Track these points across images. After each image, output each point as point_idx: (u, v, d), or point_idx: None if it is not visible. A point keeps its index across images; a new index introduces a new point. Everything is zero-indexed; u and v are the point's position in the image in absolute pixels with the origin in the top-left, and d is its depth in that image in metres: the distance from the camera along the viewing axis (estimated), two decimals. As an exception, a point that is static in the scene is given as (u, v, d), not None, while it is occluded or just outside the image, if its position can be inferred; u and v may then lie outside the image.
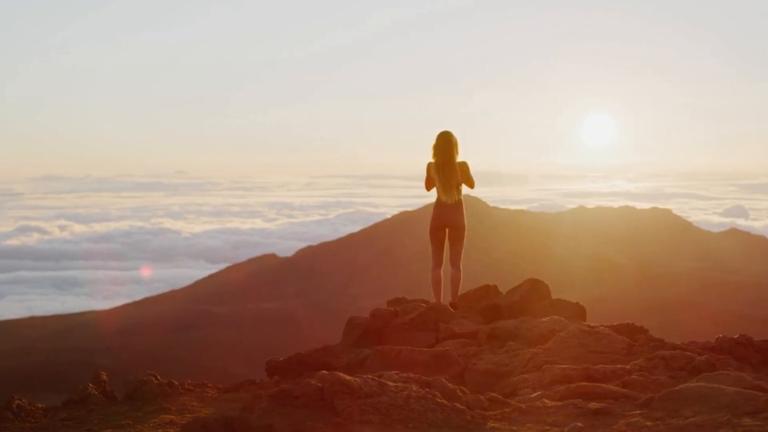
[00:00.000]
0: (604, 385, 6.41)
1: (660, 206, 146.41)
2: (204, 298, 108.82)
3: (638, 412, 5.63)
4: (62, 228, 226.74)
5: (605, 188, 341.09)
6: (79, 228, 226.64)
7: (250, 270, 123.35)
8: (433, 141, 11.65)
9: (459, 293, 11.88)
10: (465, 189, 12.02)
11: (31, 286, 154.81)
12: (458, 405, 5.62)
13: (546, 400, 6.16)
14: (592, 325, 9.06)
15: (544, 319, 9.31)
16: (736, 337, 8.04)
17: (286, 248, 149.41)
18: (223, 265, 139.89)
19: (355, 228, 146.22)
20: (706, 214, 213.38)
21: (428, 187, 11.93)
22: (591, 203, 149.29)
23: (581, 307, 10.93)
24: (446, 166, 11.50)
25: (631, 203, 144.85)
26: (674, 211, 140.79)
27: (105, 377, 7.53)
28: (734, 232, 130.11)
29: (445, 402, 5.58)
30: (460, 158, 11.68)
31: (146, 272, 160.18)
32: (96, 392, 7.28)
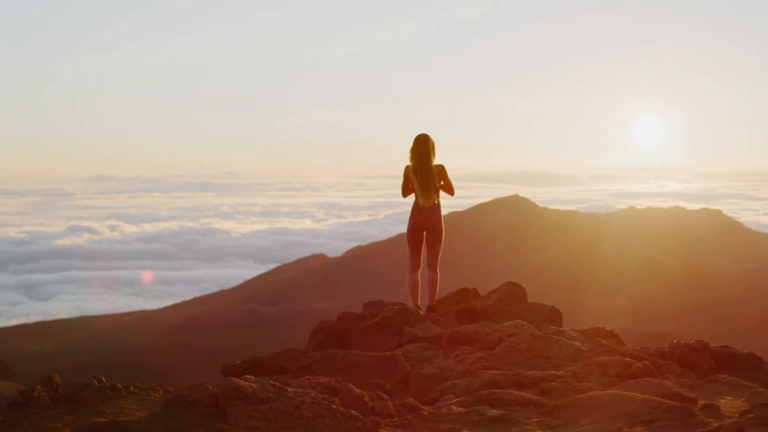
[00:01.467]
0: (516, 392, 6.36)
1: (710, 207, 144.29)
2: (253, 299, 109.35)
3: (537, 420, 5.58)
4: (112, 228, 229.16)
5: (655, 189, 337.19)
6: (129, 228, 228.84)
7: (299, 270, 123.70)
8: (410, 144, 11.60)
9: (437, 296, 11.80)
10: (448, 196, 11.92)
11: (81, 286, 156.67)
12: (353, 412, 5.59)
13: (454, 407, 6.12)
14: (561, 329, 8.98)
15: (506, 324, 9.25)
16: (691, 342, 7.91)
17: (336, 248, 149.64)
18: (272, 266, 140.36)
19: (404, 228, 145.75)
20: (757, 215, 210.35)
21: (405, 193, 11.83)
22: (641, 204, 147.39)
23: (557, 311, 10.86)
24: (423, 168, 11.42)
25: (681, 204, 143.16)
26: (724, 212, 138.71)
27: (58, 379, 7.60)
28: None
29: (341, 409, 5.56)
30: (437, 161, 11.61)
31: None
32: (44, 395, 7.35)
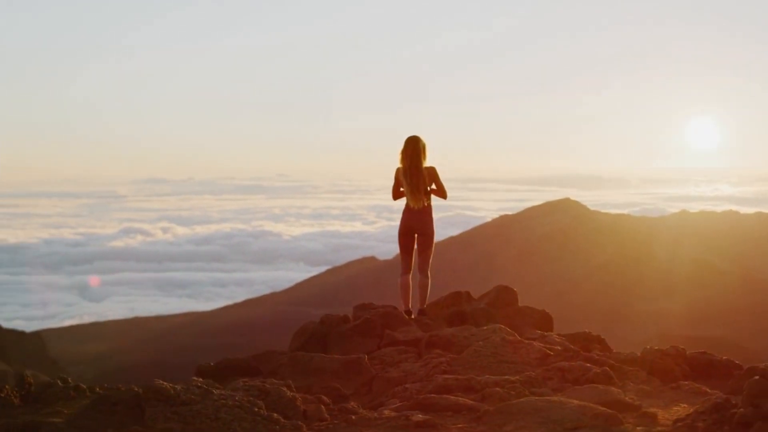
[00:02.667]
0: (453, 397, 6.28)
1: (765, 211, 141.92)
2: (304, 301, 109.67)
3: (462, 425, 5.51)
4: (165, 230, 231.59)
5: (708, 192, 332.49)
6: (181, 230, 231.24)
7: (349, 273, 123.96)
8: (401, 146, 11.50)
9: (428, 299, 11.70)
10: (442, 200, 11.78)
11: (134, 288, 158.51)
12: (275, 415, 5.55)
13: (387, 411, 6.06)
14: (546, 334, 8.87)
15: (485, 328, 9.15)
16: (665, 348, 7.75)
17: (386, 251, 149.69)
18: (322, 268, 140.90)
19: (455, 231, 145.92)
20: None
21: (395, 196, 11.75)
22: (694, 207, 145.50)
23: (546, 315, 10.74)
24: (413, 170, 11.33)
25: (735, 207, 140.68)
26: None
27: (30, 379, 7.64)
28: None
29: (262, 412, 5.52)
30: (428, 163, 11.50)
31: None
32: (13, 394, 7.39)
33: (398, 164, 11.50)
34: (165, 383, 5.71)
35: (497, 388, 6.58)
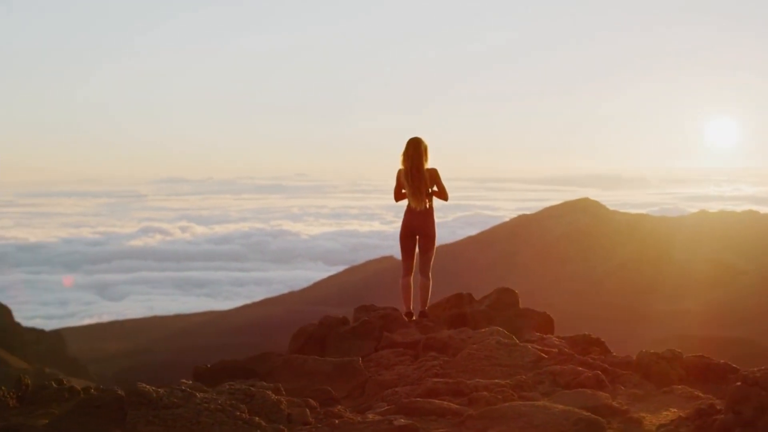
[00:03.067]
0: (438, 401, 6.27)
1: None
2: (322, 300, 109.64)
3: (444, 430, 5.49)
4: (184, 229, 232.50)
5: (728, 192, 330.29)
6: (200, 229, 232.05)
7: (368, 272, 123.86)
8: (402, 148, 11.48)
9: (429, 301, 11.67)
10: (442, 201, 11.74)
11: (153, 286, 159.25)
12: (257, 419, 5.55)
13: (371, 415, 6.05)
14: (544, 336, 8.83)
15: (482, 330, 9.11)
16: (661, 352, 7.69)
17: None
18: (341, 268, 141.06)
19: (473, 231, 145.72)
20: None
21: (397, 197, 11.71)
22: (713, 207, 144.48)
23: (547, 317, 10.67)
24: (415, 172, 11.29)
25: (755, 207, 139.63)
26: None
27: (28, 381, 7.66)
28: None
29: (244, 416, 5.52)
30: (430, 165, 11.47)
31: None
32: (9, 395, 7.41)
33: (400, 166, 11.49)
34: (148, 386, 5.72)
35: (484, 392, 6.56)
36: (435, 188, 11.55)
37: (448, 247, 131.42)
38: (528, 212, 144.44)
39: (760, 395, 5.00)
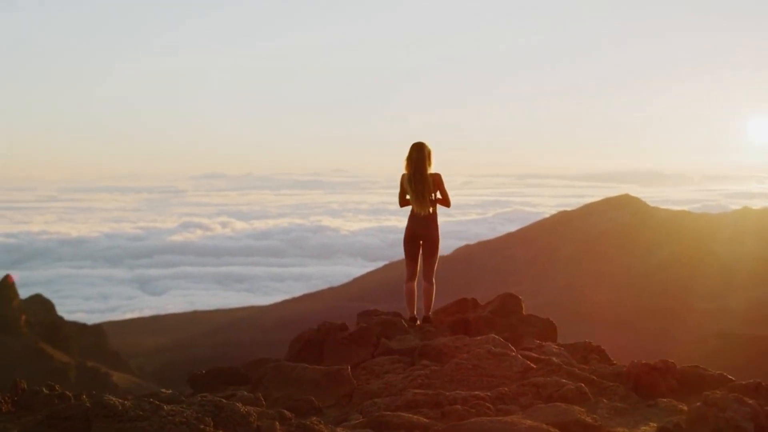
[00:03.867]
0: (407, 414, 6.20)
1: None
2: (362, 296, 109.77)
3: None
4: (224, 225, 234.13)
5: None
6: (240, 225, 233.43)
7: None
8: (406, 152, 11.41)
9: (432, 306, 11.58)
10: (443, 208, 11.65)
11: (193, 282, 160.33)
12: None
13: (340, 429, 6.01)
14: (543, 343, 8.73)
15: (478, 338, 9.01)
16: (653, 362, 7.55)
17: (444, 247, 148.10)
18: (380, 263, 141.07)
19: (513, 227, 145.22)
20: None
21: (401, 202, 11.63)
22: (756, 204, 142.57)
23: (551, 324, 10.54)
24: (418, 177, 11.21)
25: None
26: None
27: (24, 385, 7.70)
28: None
29: (209, 429, 5.50)
30: (433, 169, 11.39)
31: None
32: (4, 400, 7.45)
33: (403, 170, 11.43)
34: (113, 399, 5.74)
35: (458, 406, 6.49)
36: (438, 195, 11.48)
37: (488, 243, 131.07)
38: (568, 209, 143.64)
39: (718, 417, 4.92)
